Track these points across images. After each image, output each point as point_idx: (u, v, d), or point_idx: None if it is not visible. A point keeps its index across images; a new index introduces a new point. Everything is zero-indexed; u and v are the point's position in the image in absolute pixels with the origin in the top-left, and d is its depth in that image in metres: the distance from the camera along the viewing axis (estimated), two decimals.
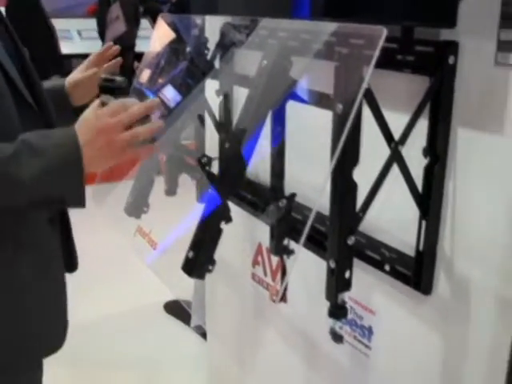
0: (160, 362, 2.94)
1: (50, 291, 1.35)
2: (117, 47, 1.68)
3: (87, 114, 1.20)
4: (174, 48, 1.98)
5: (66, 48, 7.57)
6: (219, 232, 1.32)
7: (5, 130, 1.17)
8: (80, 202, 1.17)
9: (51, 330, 1.37)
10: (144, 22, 7.50)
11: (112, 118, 1.17)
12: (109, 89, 1.18)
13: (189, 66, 1.86)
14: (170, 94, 1.91)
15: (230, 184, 1.32)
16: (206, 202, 1.32)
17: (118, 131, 1.17)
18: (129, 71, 7.09)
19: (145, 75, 2.01)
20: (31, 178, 1.09)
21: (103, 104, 1.20)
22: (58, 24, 7.56)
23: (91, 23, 7.50)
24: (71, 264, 1.45)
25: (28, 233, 1.28)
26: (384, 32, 1.04)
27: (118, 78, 1.20)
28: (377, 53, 1.05)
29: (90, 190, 1.61)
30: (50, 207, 1.24)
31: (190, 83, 1.83)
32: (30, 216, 1.27)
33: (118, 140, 1.17)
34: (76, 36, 7.85)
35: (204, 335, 2.72)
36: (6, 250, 1.24)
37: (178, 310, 3.28)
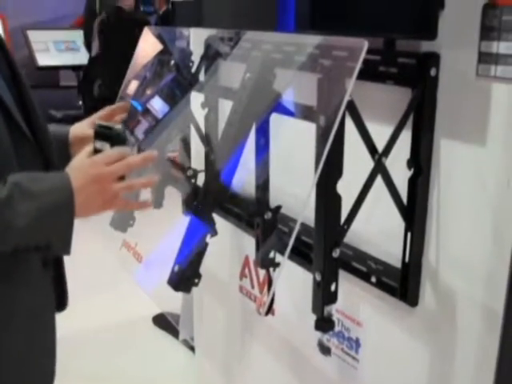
0: (148, 375, 2.92)
1: (39, 332, 1.30)
2: (128, 105, 1.63)
3: (80, 159, 1.18)
4: (161, 60, 1.98)
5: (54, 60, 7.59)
6: (205, 246, 1.31)
7: None
8: (66, 249, 1.14)
9: (39, 373, 1.33)
10: None
11: (107, 167, 1.15)
12: (105, 136, 1.17)
13: (176, 77, 1.86)
14: (157, 105, 1.91)
15: (211, 204, 1.32)
16: (191, 215, 1.32)
17: (112, 181, 1.16)
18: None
19: (132, 87, 2.01)
20: (22, 224, 1.07)
21: (96, 151, 1.18)
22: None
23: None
24: (61, 303, 1.40)
25: (20, 271, 1.23)
26: (365, 44, 1.05)
27: (117, 127, 1.19)
28: (359, 65, 1.06)
29: None
30: (35, 252, 1.19)
31: (177, 94, 1.83)
32: (23, 255, 1.22)
33: (110, 189, 1.16)
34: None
35: (193, 348, 2.71)
36: None
37: (166, 323, 3.26)
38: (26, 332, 1.26)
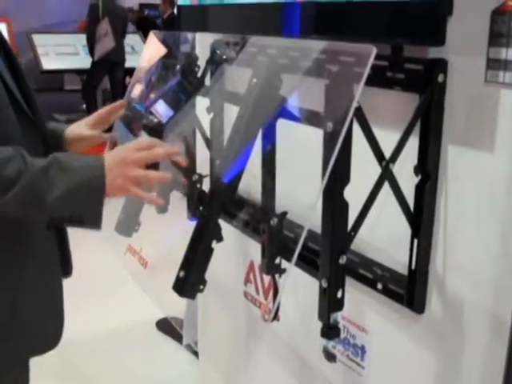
0: (151, 379, 2.92)
1: (47, 290, 1.38)
2: (125, 103, 1.69)
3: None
4: (166, 63, 1.98)
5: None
6: (210, 251, 1.31)
7: (7, 138, 1.22)
8: (97, 223, 1.21)
9: (47, 329, 1.40)
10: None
11: (135, 153, 1.24)
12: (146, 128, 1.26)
13: (181, 82, 1.86)
14: (161, 109, 1.91)
15: (217, 209, 1.33)
16: (197, 221, 1.32)
17: (135, 166, 1.23)
18: (120, 86, 7.11)
19: (136, 90, 2.01)
20: (56, 194, 1.14)
21: None
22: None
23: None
24: (66, 269, 1.48)
25: (27, 234, 1.31)
26: (374, 50, 1.05)
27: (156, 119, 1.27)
28: (367, 71, 1.05)
29: None
30: (67, 224, 1.31)
31: (181, 98, 1.83)
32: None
33: (131, 173, 1.23)
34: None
35: (196, 353, 2.71)
36: (6, 248, 1.28)
37: (170, 327, 3.26)
38: (35, 292, 1.34)
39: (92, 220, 1.21)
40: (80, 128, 1.56)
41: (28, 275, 1.32)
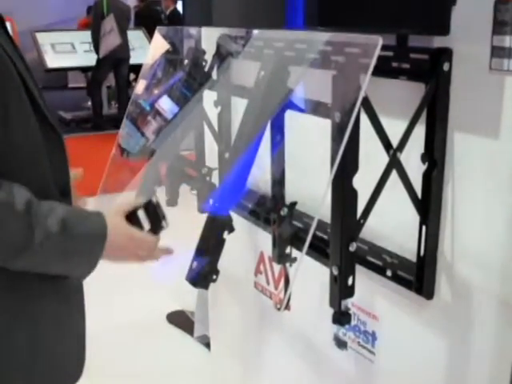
0: (163, 372, 2.94)
1: (71, 322, 1.34)
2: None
3: (120, 220, 1.24)
4: (169, 59, 2.00)
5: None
6: (222, 242, 1.33)
7: (32, 149, 1.17)
8: (86, 275, 1.23)
9: (68, 369, 1.36)
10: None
11: (141, 250, 1.27)
12: (152, 215, 1.26)
13: (186, 78, 1.88)
14: (166, 105, 1.92)
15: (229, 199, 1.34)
16: (208, 212, 1.34)
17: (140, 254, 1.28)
18: (124, 83, 7.11)
19: (140, 86, 2.03)
20: (50, 253, 1.12)
21: (133, 215, 1.25)
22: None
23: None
24: None
25: None
26: (380, 41, 1.06)
27: (164, 215, 1.28)
28: (374, 61, 1.07)
29: (92, 201, 1.62)
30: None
31: (186, 94, 1.85)
32: None
33: (138, 258, 1.28)
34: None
35: (207, 345, 2.73)
36: (31, 279, 1.22)
37: (180, 320, 3.28)
38: (55, 317, 1.29)
39: (80, 276, 1.23)
40: None
41: (50, 306, 1.27)
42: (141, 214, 1.26)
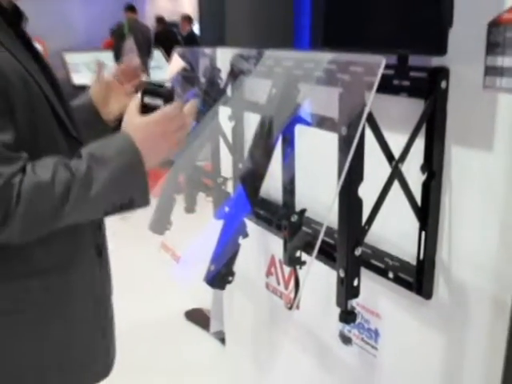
0: (181, 365, 2.95)
1: (98, 327, 1.33)
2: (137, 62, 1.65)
3: (134, 117, 1.18)
4: (186, 76, 2.01)
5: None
6: (238, 246, 1.33)
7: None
8: (147, 202, 1.18)
9: (98, 367, 1.35)
10: None
11: (171, 124, 1.18)
12: (157, 93, 1.17)
13: (203, 95, 1.88)
14: None
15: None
16: (225, 220, 1.34)
17: (175, 133, 1.19)
18: None
19: None
20: (104, 192, 1.09)
21: (145, 106, 1.18)
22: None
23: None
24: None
25: (79, 261, 1.27)
26: (383, 61, 1.07)
27: (166, 84, 1.19)
28: (378, 79, 1.07)
29: None
30: (123, 210, 1.19)
31: (202, 110, 1.86)
32: (81, 246, 1.27)
33: (175, 140, 1.20)
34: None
35: (222, 340, 2.73)
36: (58, 284, 1.23)
37: (197, 317, 3.29)
38: (86, 329, 1.29)
39: (142, 199, 1.16)
40: (100, 88, 1.47)
41: (80, 310, 1.27)
42: (147, 99, 1.18)
